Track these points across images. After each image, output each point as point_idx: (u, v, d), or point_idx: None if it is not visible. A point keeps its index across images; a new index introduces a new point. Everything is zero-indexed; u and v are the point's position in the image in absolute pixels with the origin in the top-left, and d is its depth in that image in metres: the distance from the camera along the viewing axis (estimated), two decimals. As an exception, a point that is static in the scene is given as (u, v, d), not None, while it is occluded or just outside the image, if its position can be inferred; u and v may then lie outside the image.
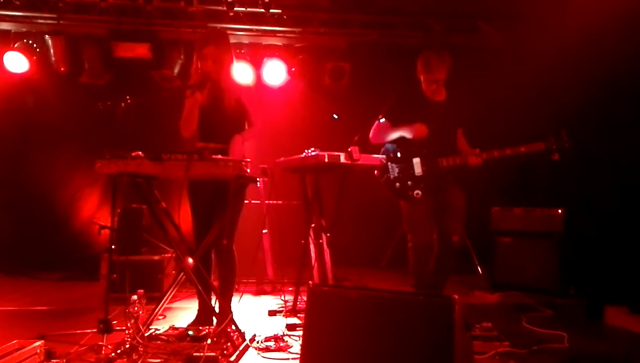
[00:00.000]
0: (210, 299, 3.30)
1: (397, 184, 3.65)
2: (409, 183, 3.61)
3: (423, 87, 3.74)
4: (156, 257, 4.72)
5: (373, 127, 3.82)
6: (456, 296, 2.29)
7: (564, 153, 3.59)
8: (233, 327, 3.15)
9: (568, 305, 4.45)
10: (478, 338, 3.07)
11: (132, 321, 2.83)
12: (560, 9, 5.24)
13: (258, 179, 3.85)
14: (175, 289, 3.24)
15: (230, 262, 3.48)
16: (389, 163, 3.70)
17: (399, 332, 2.31)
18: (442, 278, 3.75)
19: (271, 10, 6.29)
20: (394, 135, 3.74)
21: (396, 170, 3.66)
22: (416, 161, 3.63)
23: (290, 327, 3.50)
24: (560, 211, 4.87)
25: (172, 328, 3.12)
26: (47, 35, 6.27)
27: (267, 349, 3.09)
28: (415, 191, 3.59)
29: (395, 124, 3.75)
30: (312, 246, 4.26)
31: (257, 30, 6.51)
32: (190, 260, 3.13)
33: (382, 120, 3.79)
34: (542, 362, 2.86)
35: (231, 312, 3.29)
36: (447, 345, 2.17)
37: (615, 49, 4.82)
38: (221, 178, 3.14)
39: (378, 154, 3.82)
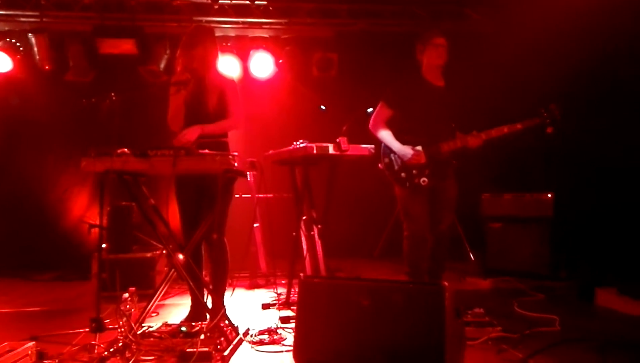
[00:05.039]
0: (203, 294, 3.29)
1: (403, 174, 3.65)
2: (414, 171, 3.62)
3: (423, 71, 3.74)
4: (147, 254, 4.71)
5: (372, 116, 3.80)
6: (446, 284, 2.31)
7: (557, 126, 3.61)
8: (226, 322, 3.15)
9: (559, 289, 4.49)
10: (470, 324, 3.09)
11: (125, 319, 2.82)
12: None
13: (248, 172, 3.83)
14: (167, 286, 3.24)
15: (222, 256, 3.47)
16: (392, 154, 3.69)
17: (390, 321, 2.33)
18: (439, 266, 3.77)
19: (256, 2, 6.24)
20: (388, 141, 3.70)
21: (400, 160, 3.66)
22: (418, 149, 3.62)
23: (284, 320, 3.50)
24: (549, 195, 4.89)
25: (165, 325, 3.10)
26: (30, 34, 6.17)
27: (261, 342, 3.09)
28: (422, 179, 3.59)
29: (395, 110, 3.74)
30: (303, 238, 4.26)
31: (243, 23, 6.46)
32: (181, 256, 3.11)
33: (369, 109, 3.77)
34: (534, 346, 2.88)
35: (224, 307, 3.29)
36: (439, 332, 2.19)
37: (600, 31, 4.83)
38: (209, 173, 3.11)
39: (368, 144, 3.81)
